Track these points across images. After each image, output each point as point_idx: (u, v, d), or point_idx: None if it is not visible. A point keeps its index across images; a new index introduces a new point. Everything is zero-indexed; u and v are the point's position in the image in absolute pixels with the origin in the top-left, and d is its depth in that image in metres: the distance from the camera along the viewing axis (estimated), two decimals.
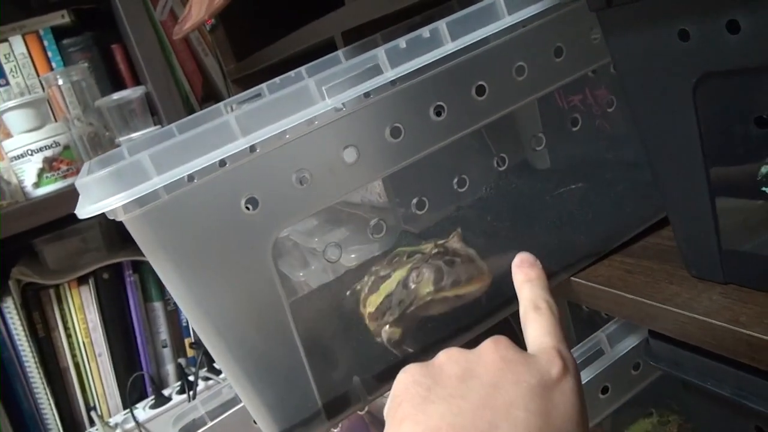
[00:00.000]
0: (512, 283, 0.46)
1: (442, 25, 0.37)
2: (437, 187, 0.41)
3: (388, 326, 0.42)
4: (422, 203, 0.40)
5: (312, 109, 0.35)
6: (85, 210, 0.32)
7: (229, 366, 0.37)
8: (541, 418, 0.31)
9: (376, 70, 0.36)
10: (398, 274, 0.42)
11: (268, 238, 0.36)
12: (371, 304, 0.43)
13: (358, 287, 0.44)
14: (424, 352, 0.43)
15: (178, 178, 0.33)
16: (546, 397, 0.32)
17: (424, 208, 0.40)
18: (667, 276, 0.40)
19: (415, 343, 0.43)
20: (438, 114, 0.39)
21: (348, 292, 0.43)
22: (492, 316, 0.44)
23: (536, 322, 0.37)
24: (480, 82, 0.39)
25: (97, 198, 0.32)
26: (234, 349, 0.37)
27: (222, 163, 0.34)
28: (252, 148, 0.35)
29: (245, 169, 0.35)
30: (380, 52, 0.36)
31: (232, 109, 0.62)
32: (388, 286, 0.42)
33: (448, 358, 0.34)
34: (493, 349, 0.34)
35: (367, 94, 0.37)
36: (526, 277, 0.40)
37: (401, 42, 0.36)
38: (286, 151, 0.36)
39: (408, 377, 0.34)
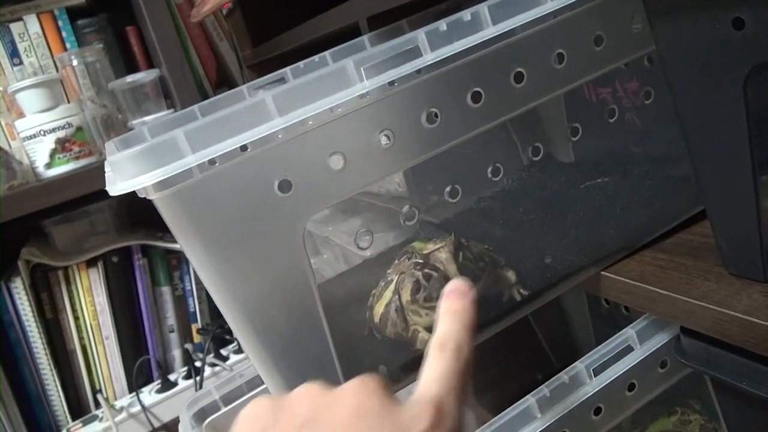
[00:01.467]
0: (538, 277, 0.45)
1: (483, 8, 0.36)
2: (471, 175, 0.40)
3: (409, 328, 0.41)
4: (455, 191, 0.39)
5: (349, 90, 0.34)
6: (116, 187, 0.32)
7: (256, 350, 0.36)
8: None
9: (416, 53, 0.35)
10: (395, 280, 0.42)
11: (300, 222, 0.35)
12: (377, 312, 0.42)
13: (375, 292, 0.43)
14: None
15: (212, 157, 0.32)
16: None
17: (457, 196, 0.40)
18: (702, 273, 0.40)
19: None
20: (475, 100, 0.38)
21: (379, 278, 0.42)
22: (517, 311, 0.44)
23: (432, 363, 0.32)
24: (518, 69, 0.38)
25: (130, 175, 0.31)
26: (261, 334, 0.36)
27: (254, 145, 0.33)
28: (286, 130, 0.34)
29: (279, 152, 0.34)
30: (420, 34, 0.35)
31: (252, 94, 0.61)
32: (386, 292, 0.42)
33: (303, 396, 0.30)
34: (352, 393, 0.29)
35: (403, 78, 0.36)
36: (449, 307, 0.34)
37: (442, 24, 0.35)
38: (321, 133, 0.35)
39: (251, 410, 0.31)
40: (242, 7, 1.03)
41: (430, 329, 0.41)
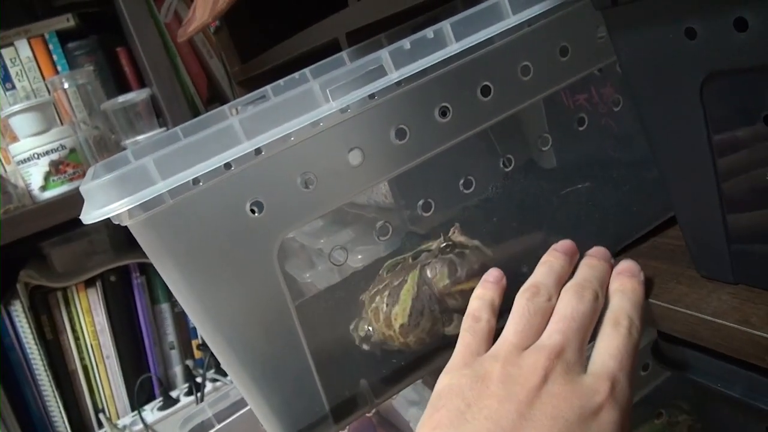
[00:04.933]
0: (515, 287, 0.45)
1: (446, 25, 0.36)
2: (443, 189, 0.41)
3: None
4: (428, 205, 0.40)
5: (317, 111, 0.34)
6: (90, 216, 0.32)
7: (236, 370, 0.37)
8: None
9: (381, 72, 0.35)
10: (413, 276, 0.42)
11: (273, 242, 0.36)
12: (399, 316, 0.41)
13: (370, 304, 0.43)
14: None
15: (183, 182, 0.33)
16: (582, 429, 0.31)
17: (430, 210, 0.40)
18: (676, 276, 0.40)
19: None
20: (443, 115, 0.38)
21: (360, 293, 0.43)
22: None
23: (608, 339, 0.35)
24: (485, 83, 0.39)
25: (102, 203, 0.32)
26: (240, 353, 0.36)
27: (227, 166, 0.34)
28: (257, 152, 0.34)
29: (250, 173, 0.35)
30: (384, 54, 0.35)
31: (237, 111, 0.62)
32: (409, 290, 0.42)
33: (501, 367, 0.34)
34: (542, 365, 0.33)
35: (371, 96, 0.36)
36: (620, 286, 0.38)
37: (405, 43, 0.36)
38: (291, 154, 0.35)
39: (455, 382, 0.34)
40: (229, 25, 1.05)
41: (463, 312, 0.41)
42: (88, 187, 0.32)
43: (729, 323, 0.34)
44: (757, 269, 0.35)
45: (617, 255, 0.46)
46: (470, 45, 0.37)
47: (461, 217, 0.44)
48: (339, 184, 0.37)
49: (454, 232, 0.42)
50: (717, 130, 0.33)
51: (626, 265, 0.39)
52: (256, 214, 0.35)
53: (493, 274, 0.40)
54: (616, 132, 0.49)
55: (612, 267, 0.40)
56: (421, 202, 0.40)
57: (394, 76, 0.36)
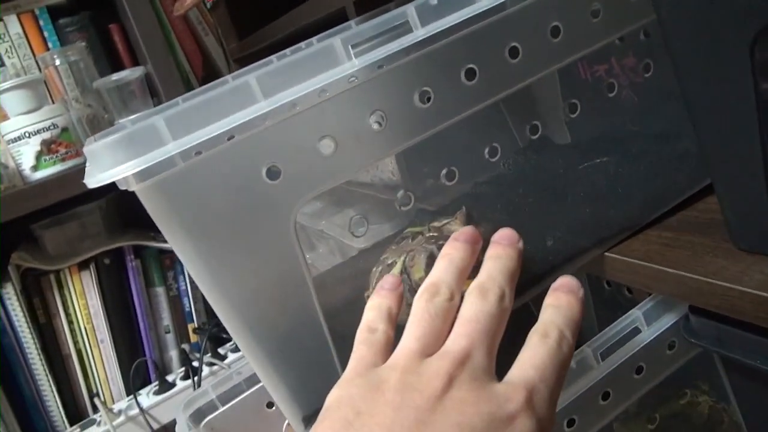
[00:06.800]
0: (541, 261, 0.43)
1: None
2: (468, 157, 0.38)
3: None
4: (452, 173, 0.38)
5: (338, 69, 0.32)
6: (94, 179, 0.30)
7: (250, 347, 0.35)
8: None
9: (406, 29, 0.33)
10: (401, 260, 0.40)
11: (290, 210, 0.33)
12: None
13: (371, 280, 0.41)
14: None
15: (194, 144, 0.30)
16: None
17: (454, 179, 0.38)
18: (711, 249, 0.38)
19: None
20: (469, 78, 0.36)
21: (373, 268, 0.41)
22: (519, 297, 0.42)
23: (533, 350, 0.32)
24: (513, 44, 0.37)
25: (108, 165, 0.30)
26: (255, 329, 0.34)
27: (240, 130, 0.32)
28: (272, 113, 0.32)
29: (266, 136, 0.32)
30: (410, 9, 0.33)
31: None
32: (395, 274, 0.40)
33: (399, 375, 0.30)
34: (446, 371, 0.30)
35: (394, 56, 0.34)
36: (555, 301, 0.34)
37: None
38: (309, 117, 0.33)
39: (345, 393, 0.31)
40: (226, 0, 1.01)
41: None
42: (92, 147, 0.30)
43: None
44: None
45: (644, 229, 0.44)
46: (500, 2, 0.34)
47: (476, 193, 0.42)
48: (360, 149, 0.35)
49: (456, 219, 0.40)
50: (766, 90, 0.31)
51: (564, 280, 0.35)
52: (273, 181, 0.33)
53: (388, 281, 0.36)
54: (638, 103, 0.47)
55: (520, 252, 0.36)
56: (444, 171, 0.38)
57: (421, 33, 0.33)
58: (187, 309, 1.24)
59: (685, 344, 0.43)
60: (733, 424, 0.52)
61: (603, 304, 0.65)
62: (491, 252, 0.36)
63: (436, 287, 0.34)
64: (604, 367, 0.41)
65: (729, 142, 0.34)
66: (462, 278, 0.35)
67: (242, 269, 0.33)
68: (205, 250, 0.33)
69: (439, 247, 0.37)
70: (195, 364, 1.12)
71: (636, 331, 0.42)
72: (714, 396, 0.54)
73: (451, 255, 0.35)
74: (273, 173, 0.33)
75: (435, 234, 0.38)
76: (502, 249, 0.36)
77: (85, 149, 0.31)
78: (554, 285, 0.35)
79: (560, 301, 0.34)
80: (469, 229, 0.37)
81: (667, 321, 0.42)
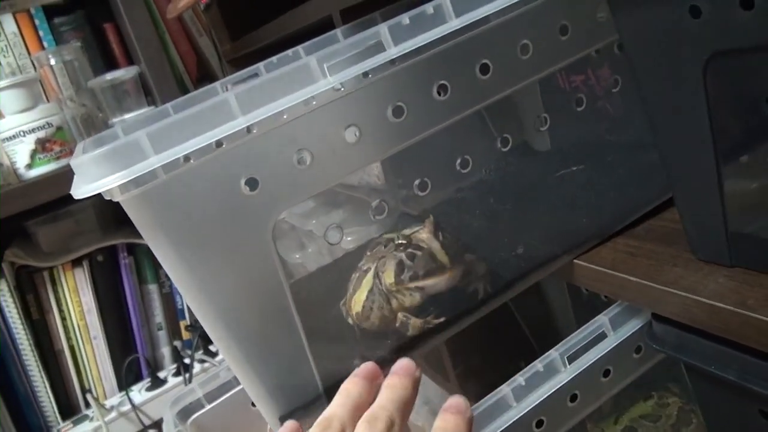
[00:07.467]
0: (512, 267, 0.45)
1: (446, 1, 0.36)
2: (440, 168, 0.40)
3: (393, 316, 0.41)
4: (424, 184, 0.40)
5: (313, 87, 0.34)
6: (80, 190, 0.32)
7: (229, 349, 0.36)
8: None
9: (379, 48, 0.35)
10: (374, 266, 0.42)
11: (268, 220, 0.35)
12: (356, 303, 0.41)
13: (348, 286, 0.43)
14: (423, 338, 0.42)
15: (176, 157, 0.32)
16: None
17: (426, 189, 0.40)
18: (672, 258, 0.40)
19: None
20: (441, 93, 0.38)
21: (352, 272, 0.42)
22: (489, 302, 0.44)
23: None
24: (484, 61, 0.38)
25: (94, 178, 0.31)
26: (234, 332, 0.36)
27: (220, 143, 0.33)
28: (251, 128, 0.34)
29: (244, 149, 0.34)
30: (383, 29, 0.35)
31: (227, 89, 0.61)
32: (370, 279, 0.42)
33: None
34: None
35: (368, 73, 0.36)
36: (443, 423, 0.36)
37: (404, 18, 0.35)
38: (287, 130, 0.35)
39: None
40: (219, 2, 1.03)
41: (417, 314, 0.41)
42: (79, 161, 0.31)
43: (726, 306, 0.34)
44: (754, 252, 0.35)
45: (614, 237, 0.46)
46: (470, 21, 0.36)
47: (455, 199, 0.44)
48: (335, 161, 0.36)
49: (424, 228, 0.41)
50: (718, 111, 0.33)
51: (454, 401, 0.37)
52: (251, 192, 0.34)
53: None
54: (612, 114, 0.48)
55: (417, 381, 0.38)
56: (417, 182, 0.39)
57: (393, 51, 0.35)
58: (180, 306, 1.25)
59: (651, 349, 0.45)
60: (701, 425, 0.54)
61: (582, 307, 0.66)
62: (387, 382, 0.37)
63: (329, 422, 0.35)
64: (571, 370, 0.43)
65: (686, 159, 0.36)
66: (357, 411, 0.36)
67: (221, 275, 0.35)
68: (185, 257, 0.34)
69: (408, 255, 0.39)
70: (186, 361, 1.14)
71: (602, 335, 0.44)
72: (684, 398, 0.56)
73: (348, 390, 0.37)
74: (252, 184, 0.34)
75: (404, 242, 0.40)
76: (398, 379, 0.37)
77: (72, 162, 0.32)
78: (444, 405, 0.37)
79: (448, 423, 0.35)
80: (369, 365, 0.38)
81: (632, 326, 0.44)
